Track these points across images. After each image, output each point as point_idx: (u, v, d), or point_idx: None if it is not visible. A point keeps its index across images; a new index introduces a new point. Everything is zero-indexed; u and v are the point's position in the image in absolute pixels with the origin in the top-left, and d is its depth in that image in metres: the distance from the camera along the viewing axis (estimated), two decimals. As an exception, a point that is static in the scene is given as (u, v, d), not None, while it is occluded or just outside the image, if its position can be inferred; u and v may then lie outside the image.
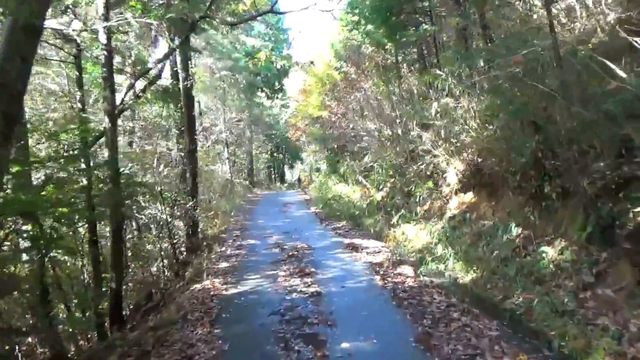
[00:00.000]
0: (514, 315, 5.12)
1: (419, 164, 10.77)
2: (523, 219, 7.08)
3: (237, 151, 32.80)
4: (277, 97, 37.39)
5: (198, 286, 7.46)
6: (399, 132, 13.05)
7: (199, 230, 12.20)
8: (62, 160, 6.98)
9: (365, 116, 15.59)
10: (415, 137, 11.55)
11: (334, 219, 14.45)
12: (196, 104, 25.11)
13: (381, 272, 7.49)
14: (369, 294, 6.43)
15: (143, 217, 11.07)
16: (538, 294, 5.32)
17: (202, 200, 14.45)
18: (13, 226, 6.51)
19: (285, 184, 39.60)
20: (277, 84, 37.18)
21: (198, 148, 19.36)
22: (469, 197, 9.42)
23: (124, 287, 9.79)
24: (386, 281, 6.97)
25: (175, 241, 10.26)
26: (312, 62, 10.99)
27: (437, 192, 10.35)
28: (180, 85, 10.98)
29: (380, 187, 14.27)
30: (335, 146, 18.65)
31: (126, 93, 9.45)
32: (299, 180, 32.97)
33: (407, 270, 7.62)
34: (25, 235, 6.53)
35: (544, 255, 5.96)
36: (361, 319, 5.42)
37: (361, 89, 15.25)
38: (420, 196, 10.77)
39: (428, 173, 10.86)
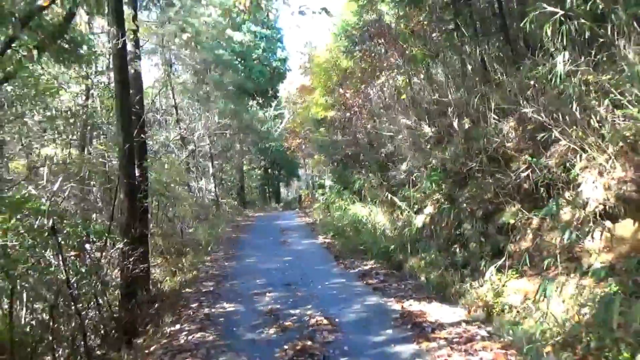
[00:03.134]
0: None
1: (520, 170, 6.33)
2: None
3: (225, 166, 28.34)
4: (270, 105, 33.09)
5: None
6: (455, 125, 8.66)
7: (150, 282, 7.69)
8: None
9: (392, 109, 11.22)
10: (492, 129, 7.22)
11: (355, 256, 9.99)
12: (172, 109, 20.79)
13: None
14: None
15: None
16: None
17: (159, 232, 9.92)
18: None
19: (281, 204, 34.98)
20: (270, 90, 32.89)
21: (171, 159, 14.92)
22: (628, 228, 5.01)
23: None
24: None
25: (90, 315, 5.73)
26: (325, 10, 6.89)
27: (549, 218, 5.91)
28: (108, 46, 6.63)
29: (420, 208, 9.85)
30: (349, 153, 14.25)
31: (5, 48, 5.16)
32: (299, 198, 28.48)
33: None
34: None
35: None
36: None
37: (387, 72, 10.92)
38: (514, 224, 6.33)
39: (526, 186, 6.44)
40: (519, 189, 6.51)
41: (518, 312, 5.18)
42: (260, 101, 31.96)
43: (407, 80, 10.75)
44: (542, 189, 6.17)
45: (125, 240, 6.07)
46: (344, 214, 13.05)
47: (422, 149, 10.22)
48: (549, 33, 5.81)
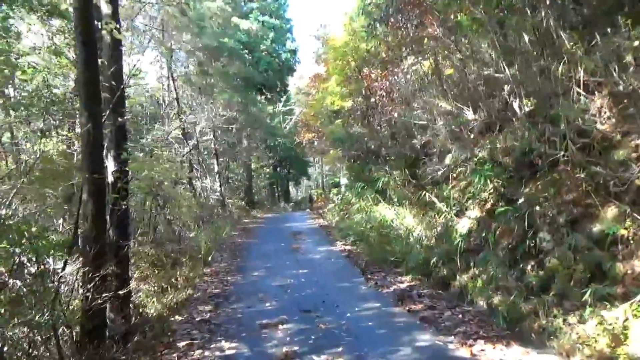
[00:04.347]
0: None
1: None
2: None
3: (232, 164, 26.67)
4: (279, 101, 31.36)
5: None
6: (515, 106, 6.86)
7: (130, 308, 6.00)
8: None
9: (425, 92, 9.45)
10: (578, 108, 5.43)
11: (384, 268, 8.27)
12: (174, 102, 19.10)
13: None
14: None
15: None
16: None
17: (149, 239, 8.25)
18: None
19: (291, 204, 33.21)
20: (279, 85, 31.13)
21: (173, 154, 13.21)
22: None
23: None
24: None
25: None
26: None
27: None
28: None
29: (460, 210, 8.09)
30: (371, 147, 12.46)
31: None
32: (310, 198, 26.70)
33: None
34: None
35: None
36: None
37: (420, 48, 9.14)
38: (622, 236, 4.54)
39: (638, 182, 4.65)
40: (628, 186, 4.72)
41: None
42: (269, 96, 30.22)
43: (437, 60, 8.94)
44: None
45: (82, 259, 4.35)
46: (367, 216, 11.27)
47: (463, 139, 8.45)
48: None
